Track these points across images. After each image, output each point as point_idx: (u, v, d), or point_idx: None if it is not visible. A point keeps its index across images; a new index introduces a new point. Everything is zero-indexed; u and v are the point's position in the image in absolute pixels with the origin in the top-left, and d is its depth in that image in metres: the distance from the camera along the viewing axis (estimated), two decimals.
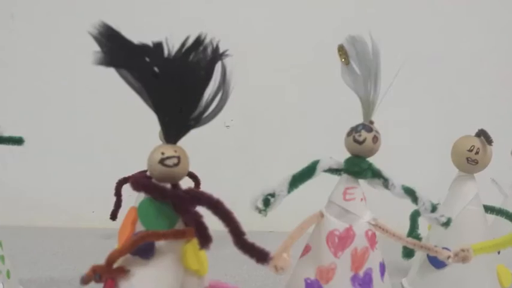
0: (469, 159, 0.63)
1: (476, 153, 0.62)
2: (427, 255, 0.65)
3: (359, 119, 0.51)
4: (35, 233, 0.87)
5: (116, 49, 0.37)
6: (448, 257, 0.48)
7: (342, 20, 1.03)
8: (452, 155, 0.65)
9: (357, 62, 0.49)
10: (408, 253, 0.67)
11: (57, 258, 0.76)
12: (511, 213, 0.67)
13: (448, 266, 0.63)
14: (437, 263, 0.64)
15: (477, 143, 0.62)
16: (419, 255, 0.67)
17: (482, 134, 0.62)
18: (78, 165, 1.01)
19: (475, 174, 0.65)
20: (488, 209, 0.67)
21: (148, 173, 0.40)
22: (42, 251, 0.76)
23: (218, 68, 0.39)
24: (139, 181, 0.39)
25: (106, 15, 0.41)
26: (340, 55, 0.50)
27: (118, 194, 0.79)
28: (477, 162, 0.63)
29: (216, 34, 0.39)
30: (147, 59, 0.37)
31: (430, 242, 0.64)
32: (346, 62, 0.50)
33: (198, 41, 0.38)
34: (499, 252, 0.66)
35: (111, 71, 0.38)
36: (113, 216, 0.80)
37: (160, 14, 1.01)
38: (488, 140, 0.62)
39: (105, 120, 1.01)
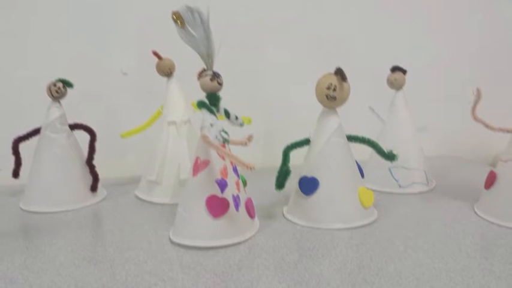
0: (328, 96, 0.77)
1: (334, 90, 0.76)
2: (298, 185, 0.81)
3: None
4: None
5: None
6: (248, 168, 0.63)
7: None
8: (315, 93, 0.78)
9: (193, 26, 0.65)
10: (279, 185, 0.82)
11: None
12: (371, 140, 0.81)
13: (315, 192, 0.79)
14: (306, 190, 0.80)
15: (334, 80, 0.76)
16: (294, 186, 0.83)
17: (338, 72, 0.76)
18: None
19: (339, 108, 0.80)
20: (352, 138, 0.81)
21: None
22: None
23: None
24: None
25: None
26: (175, 20, 0.64)
27: (16, 152, 0.90)
28: (335, 98, 0.77)
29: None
30: None
31: (303, 172, 0.80)
32: (182, 25, 0.63)
33: None
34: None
35: None
36: (15, 174, 0.92)
37: None
38: (343, 77, 0.76)
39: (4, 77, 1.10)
